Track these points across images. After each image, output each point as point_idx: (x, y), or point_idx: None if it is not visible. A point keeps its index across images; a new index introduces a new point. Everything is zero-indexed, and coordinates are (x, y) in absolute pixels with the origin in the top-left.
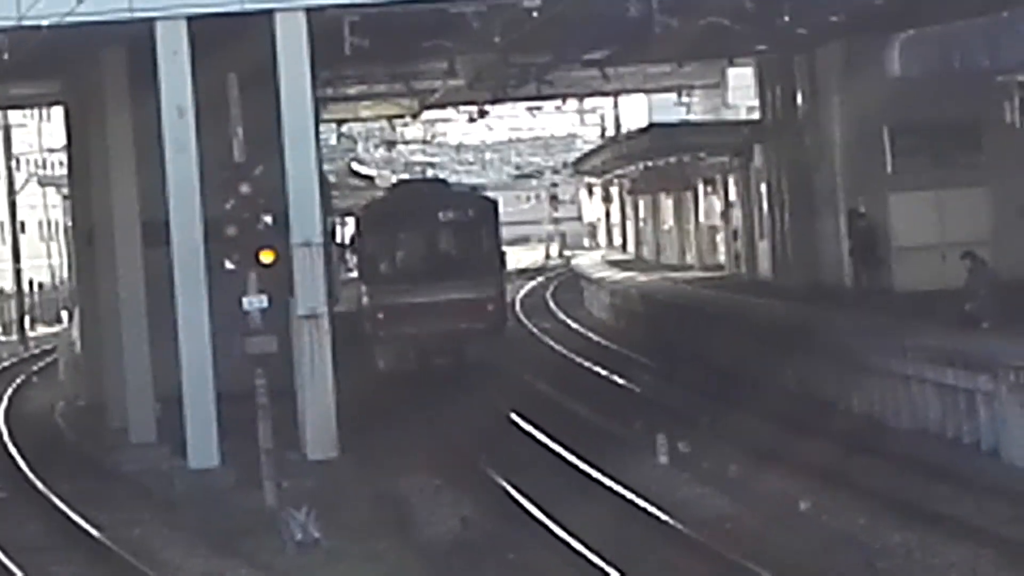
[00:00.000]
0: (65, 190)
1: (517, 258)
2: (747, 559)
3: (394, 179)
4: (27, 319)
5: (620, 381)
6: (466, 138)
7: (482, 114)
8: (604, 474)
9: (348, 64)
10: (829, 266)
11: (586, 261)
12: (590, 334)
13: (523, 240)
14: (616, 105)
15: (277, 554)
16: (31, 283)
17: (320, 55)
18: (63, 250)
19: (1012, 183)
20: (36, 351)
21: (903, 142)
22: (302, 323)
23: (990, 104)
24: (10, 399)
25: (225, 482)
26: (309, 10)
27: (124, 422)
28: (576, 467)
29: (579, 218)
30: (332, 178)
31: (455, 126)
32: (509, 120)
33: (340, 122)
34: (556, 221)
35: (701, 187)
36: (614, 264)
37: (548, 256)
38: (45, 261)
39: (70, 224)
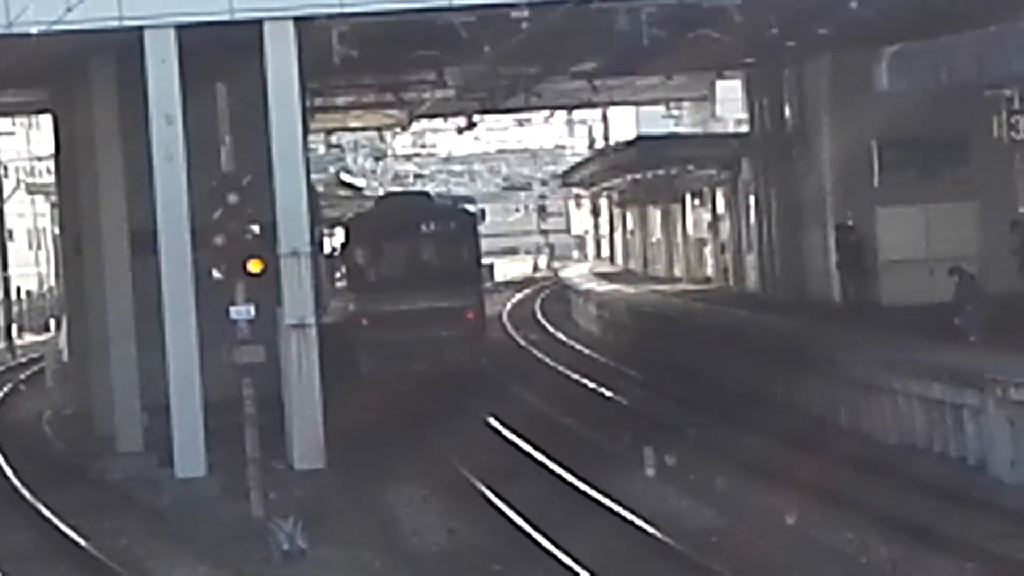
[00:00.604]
0: (53, 198)
1: (505, 270)
2: (734, 573)
3: (382, 190)
4: (14, 327)
5: (607, 394)
6: (455, 149)
7: (471, 125)
8: (591, 486)
9: (337, 74)
10: (816, 279)
11: (574, 273)
12: (578, 346)
13: (511, 252)
14: (604, 117)
15: (264, 564)
16: (19, 291)
17: (309, 65)
18: (51, 258)
19: (999, 197)
20: (23, 359)
21: (891, 156)
22: (290, 333)
23: (978, 118)
24: None
25: (212, 491)
26: (298, 20)
27: (111, 431)
28: (563, 479)
29: (567, 230)
30: (320, 188)
31: (444, 137)
32: (498, 131)
33: (329, 132)
34: (544, 233)
35: (689, 200)
36: (602, 276)
37: (536, 268)
38: (33, 269)
39: (58, 232)
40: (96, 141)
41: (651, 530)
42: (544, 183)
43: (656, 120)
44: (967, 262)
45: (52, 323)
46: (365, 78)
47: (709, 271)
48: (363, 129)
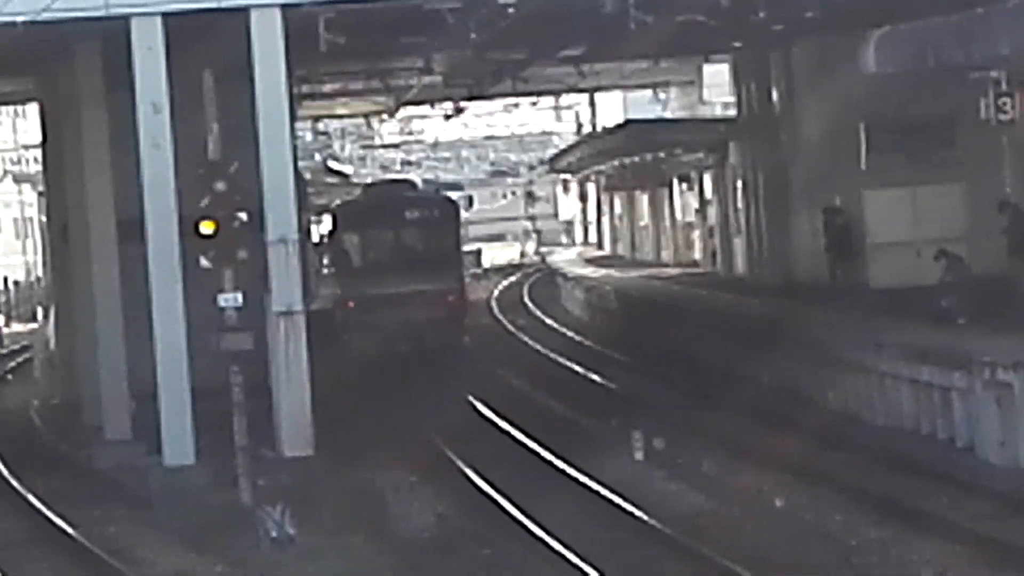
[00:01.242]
0: (40, 187)
1: (493, 255)
2: (722, 555)
3: (369, 177)
4: (2, 316)
5: (595, 378)
6: (442, 135)
7: (458, 111)
8: (579, 470)
9: (324, 61)
10: (804, 262)
11: (562, 258)
12: (566, 331)
13: (499, 237)
14: (592, 102)
15: (252, 551)
16: (6, 280)
17: (296, 52)
18: (38, 247)
19: (986, 179)
20: (11, 348)
21: (878, 138)
22: (278, 320)
23: (965, 100)
24: None
25: (200, 479)
26: (284, 7)
27: (99, 419)
28: (551, 463)
29: (555, 215)
30: (308, 175)
31: (431, 123)
32: (485, 117)
33: (316, 119)
34: (532, 218)
35: (677, 184)
36: (590, 261)
37: (524, 253)
38: (20, 258)
39: (45, 221)
40: (83, 130)
41: (640, 514)
42: (532, 169)
43: (643, 105)
44: (955, 244)
45: (40, 312)
46: (352, 65)
47: (697, 255)
48: (350, 116)
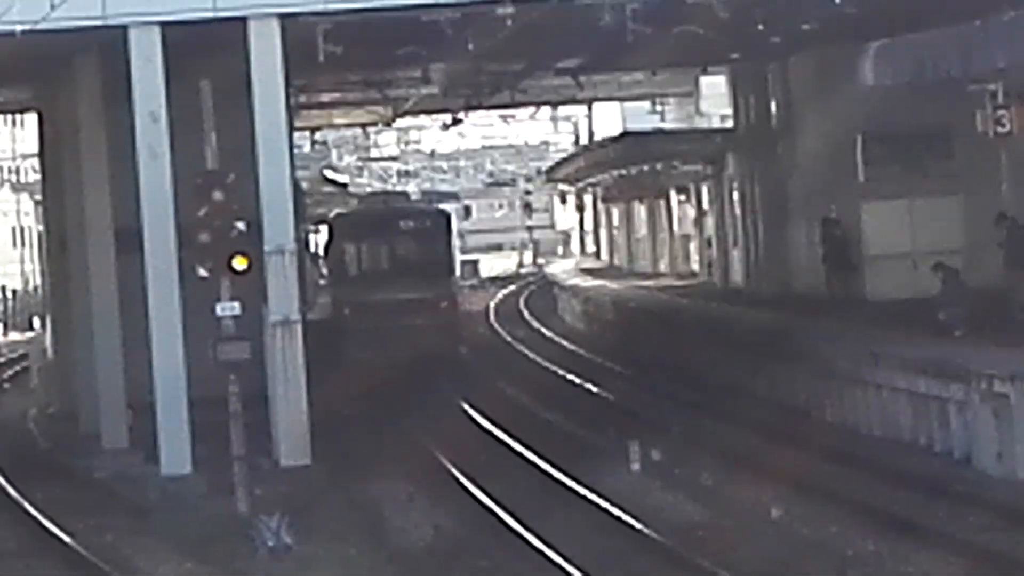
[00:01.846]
0: (38, 196)
1: (490, 266)
2: (719, 567)
3: (367, 187)
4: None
5: (593, 389)
6: (440, 146)
7: (456, 122)
8: (577, 481)
9: (322, 72)
10: (802, 274)
11: (559, 269)
12: (563, 342)
13: (496, 248)
14: (589, 113)
15: (249, 560)
16: (3, 289)
17: (294, 62)
18: (36, 257)
19: (984, 192)
20: (9, 357)
21: (876, 151)
22: (275, 330)
23: (962, 113)
24: None
25: (197, 488)
26: (283, 17)
27: (96, 428)
28: (549, 474)
29: (552, 226)
30: (305, 185)
31: (429, 133)
32: (483, 128)
33: (314, 129)
34: (529, 229)
35: (674, 195)
36: (587, 272)
37: (521, 264)
38: (18, 267)
39: (43, 230)
40: (81, 139)
41: (637, 525)
42: (529, 179)
43: (641, 116)
44: (952, 256)
45: (37, 321)
46: (350, 75)
47: (694, 266)
48: (348, 126)
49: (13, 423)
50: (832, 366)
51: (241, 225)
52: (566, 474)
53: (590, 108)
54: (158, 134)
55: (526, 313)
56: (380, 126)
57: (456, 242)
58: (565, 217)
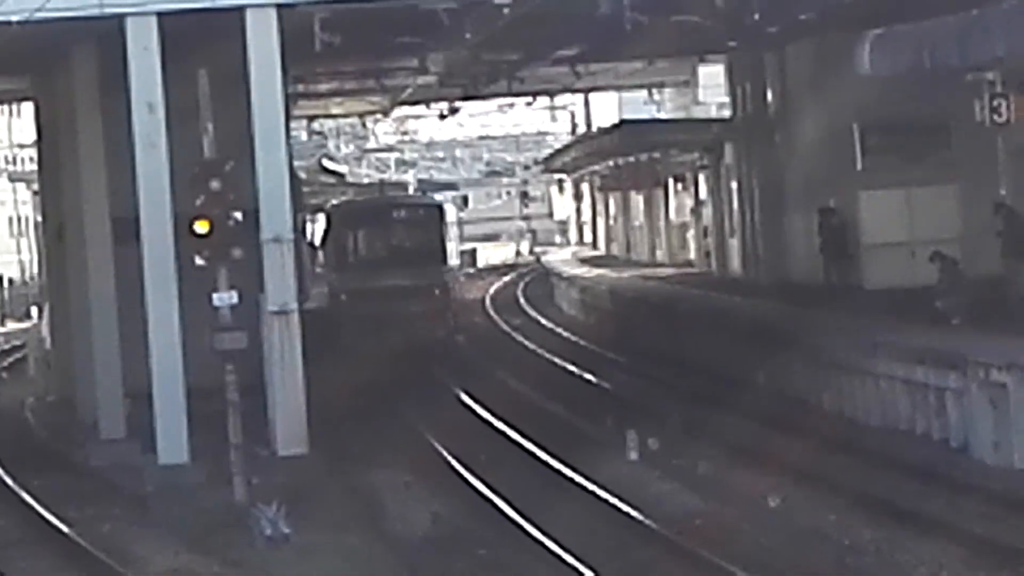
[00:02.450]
0: (35, 186)
1: (487, 255)
2: (717, 556)
3: (365, 177)
4: None
5: (590, 378)
6: (437, 135)
7: (453, 111)
8: (575, 471)
9: (319, 61)
10: (799, 263)
11: (556, 258)
12: (560, 331)
13: (494, 237)
14: (587, 102)
15: (247, 550)
16: (1, 279)
17: (291, 51)
18: (33, 246)
19: (982, 180)
20: (6, 347)
21: (873, 140)
22: (272, 319)
23: (960, 102)
24: None
25: (195, 478)
26: (280, 7)
27: (94, 418)
28: (547, 464)
29: (550, 215)
30: (303, 175)
31: (426, 123)
32: (480, 117)
33: (311, 119)
34: (527, 218)
35: (672, 184)
36: (584, 261)
37: (519, 253)
38: (15, 257)
39: (40, 220)
40: (78, 129)
41: (635, 514)
42: (526, 168)
43: (638, 105)
44: (949, 245)
45: (34, 311)
46: (347, 65)
47: (692, 255)
48: (345, 116)
49: (10, 412)
50: (830, 355)
51: (238, 214)
52: (564, 463)
53: (587, 97)
54: (155, 124)
55: (523, 302)
56: (378, 116)
57: (449, 232)
58: (562, 206)
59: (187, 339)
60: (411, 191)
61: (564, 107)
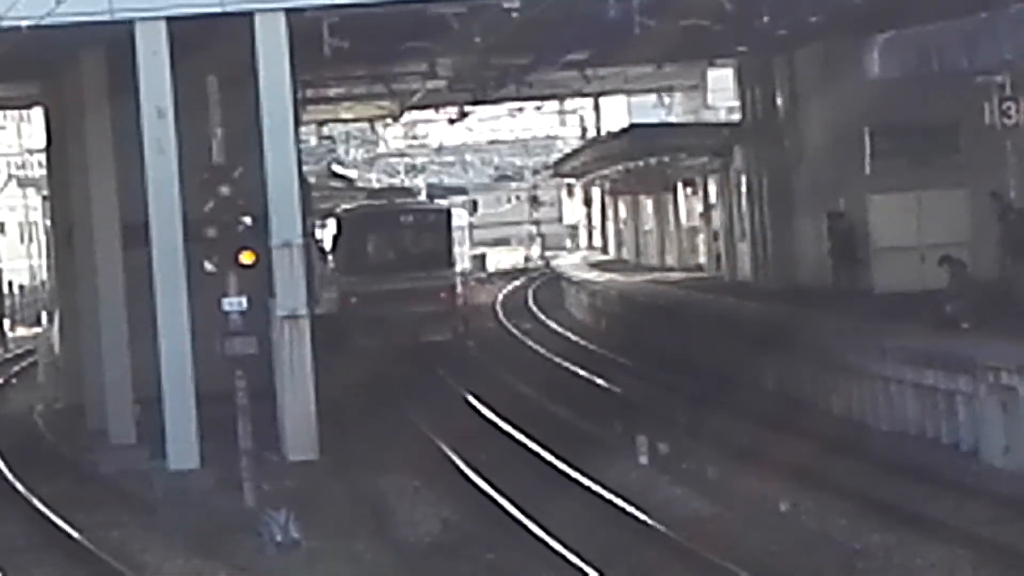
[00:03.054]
0: (45, 191)
1: (497, 260)
2: (727, 560)
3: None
4: (6, 321)
5: (600, 382)
6: (447, 139)
7: (462, 116)
8: (584, 475)
9: (328, 65)
10: (809, 267)
11: (566, 262)
12: (570, 335)
13: (504, 241)
14: (596, 107)
15: (257, 555)
16: (11, 285)
17: (300, 57)
18: (43, 251)
19: (990, 184)
20: (16, 352)
21: (882, 143)
22: (282, 324)
23: (969, 105)
24: None
25: (205, 483)
26: (289, 12)
27: (103, 423)
28: (556, 468)
29: (559, 219)
30: (312, 179)
31: (436, 127)
32: (489, 121)
33: (320, 124)
34: (536, 222)
35: (681, 188)
36: (594, 265)
37: (528, 258)
38: (25, 262)
39: (50, 225)
40: (87, 134)
41: (645, 518)
42: (536, 173)
43: (648, 109)
44: (959, 249)
45: (44, 316)
46: (356, 69)
47: (701, 259)
48: (354, 120)
49: (20, 418)
50: (839, 359)
51: (248, 219)
52: (574, 467)
53: (597, 101)
54: (164, 129)
55: (533, 307)
56: (387, 120)
57: (456, 236)
58: (572, 211)
59: (197, 344)
60: (421, 196)
61: (573, 111)
